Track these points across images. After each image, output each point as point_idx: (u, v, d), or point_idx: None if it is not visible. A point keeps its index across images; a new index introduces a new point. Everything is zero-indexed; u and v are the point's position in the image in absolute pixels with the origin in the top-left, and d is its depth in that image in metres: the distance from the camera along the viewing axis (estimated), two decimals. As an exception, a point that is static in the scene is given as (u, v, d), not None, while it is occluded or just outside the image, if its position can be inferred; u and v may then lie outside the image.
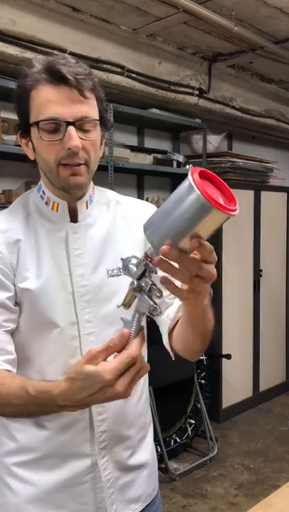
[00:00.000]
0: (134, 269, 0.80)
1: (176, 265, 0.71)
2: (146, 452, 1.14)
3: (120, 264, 0.93)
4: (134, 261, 0.81)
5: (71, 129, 0.93)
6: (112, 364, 0.80)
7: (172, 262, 0.71)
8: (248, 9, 2.76)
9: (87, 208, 1.07)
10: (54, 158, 0.95)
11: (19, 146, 1.06)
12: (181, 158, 3.48)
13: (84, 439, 1.02)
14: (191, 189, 0.65)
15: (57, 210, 1.04)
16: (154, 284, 0.79)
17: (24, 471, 1.02)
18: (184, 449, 3.22)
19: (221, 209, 0.65)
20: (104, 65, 2.89)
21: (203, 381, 3.42)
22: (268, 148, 4.77)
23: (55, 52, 2.64)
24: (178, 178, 3.75)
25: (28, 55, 2.52)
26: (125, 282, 0.98)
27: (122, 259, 0.83)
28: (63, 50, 2.66)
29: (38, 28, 2.55)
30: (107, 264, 1.04)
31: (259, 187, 3.98)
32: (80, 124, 0.95)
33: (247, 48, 3.16)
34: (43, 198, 1.06)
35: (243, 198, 3.83)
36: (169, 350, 1.05)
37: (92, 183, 1.09)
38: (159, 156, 3.40)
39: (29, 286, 0.99)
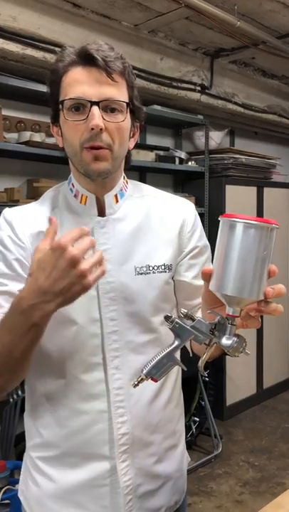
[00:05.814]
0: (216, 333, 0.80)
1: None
2: (175, 462, 1.09)
3: (150, 263, 0.99)
4: (201, 326, 0.80)
5: (94, 108, 0.91)
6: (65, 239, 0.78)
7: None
8: (250, 4, 2.73)
9: (117, 201, 1.03)
10: (78, 141, 0.93)
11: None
12: (183, 155, 3.46)
13: (103, 440, 0.98)
14: (257, 226, 0.74)
15: (85, 203, 1.01)
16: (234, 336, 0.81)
17: (47, 466, 1.02)
18: (189, 447, 3.19)
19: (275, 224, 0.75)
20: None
21: (207, 378, 3.41)
22: (270, 145, 4.74)
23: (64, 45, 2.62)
24: (180, 175, 3.73)
25: (29, 51, 2.50)
26: (153, 281, 1.01)
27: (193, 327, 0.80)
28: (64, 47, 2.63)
29: (39, 25, 2.53)
30: (135, 261, 1.00)
31: (262, 183, 3.96)
32: (105, 106, 0.92)
33: (249, 43, 3.13)
34: (72, 191, 1.03)
35: (246, 194, 3.81)
36: (188, 348, 1.03)
37: (123, 176, 1.06)
38: (161, 152, 3.37)
39: None
